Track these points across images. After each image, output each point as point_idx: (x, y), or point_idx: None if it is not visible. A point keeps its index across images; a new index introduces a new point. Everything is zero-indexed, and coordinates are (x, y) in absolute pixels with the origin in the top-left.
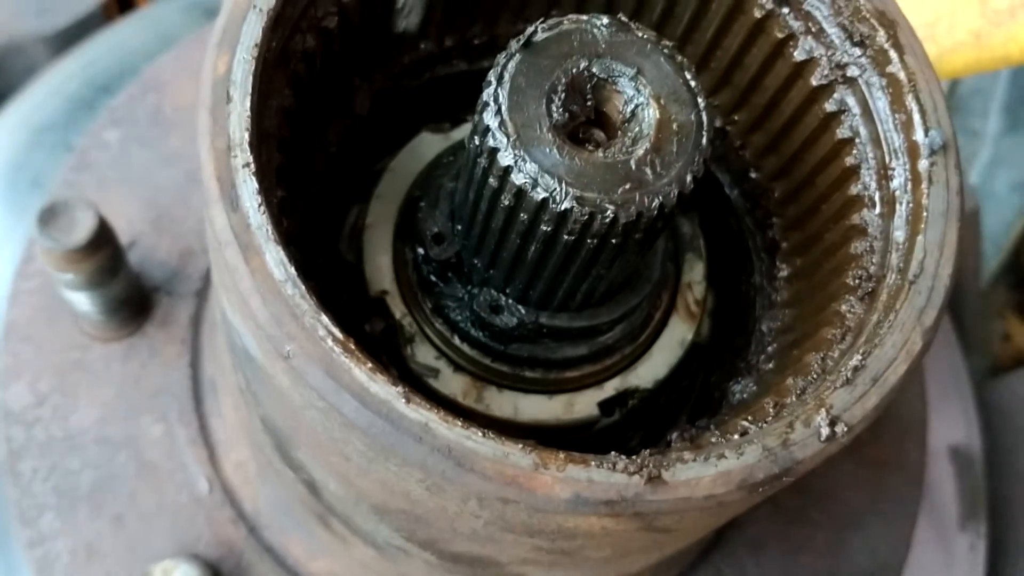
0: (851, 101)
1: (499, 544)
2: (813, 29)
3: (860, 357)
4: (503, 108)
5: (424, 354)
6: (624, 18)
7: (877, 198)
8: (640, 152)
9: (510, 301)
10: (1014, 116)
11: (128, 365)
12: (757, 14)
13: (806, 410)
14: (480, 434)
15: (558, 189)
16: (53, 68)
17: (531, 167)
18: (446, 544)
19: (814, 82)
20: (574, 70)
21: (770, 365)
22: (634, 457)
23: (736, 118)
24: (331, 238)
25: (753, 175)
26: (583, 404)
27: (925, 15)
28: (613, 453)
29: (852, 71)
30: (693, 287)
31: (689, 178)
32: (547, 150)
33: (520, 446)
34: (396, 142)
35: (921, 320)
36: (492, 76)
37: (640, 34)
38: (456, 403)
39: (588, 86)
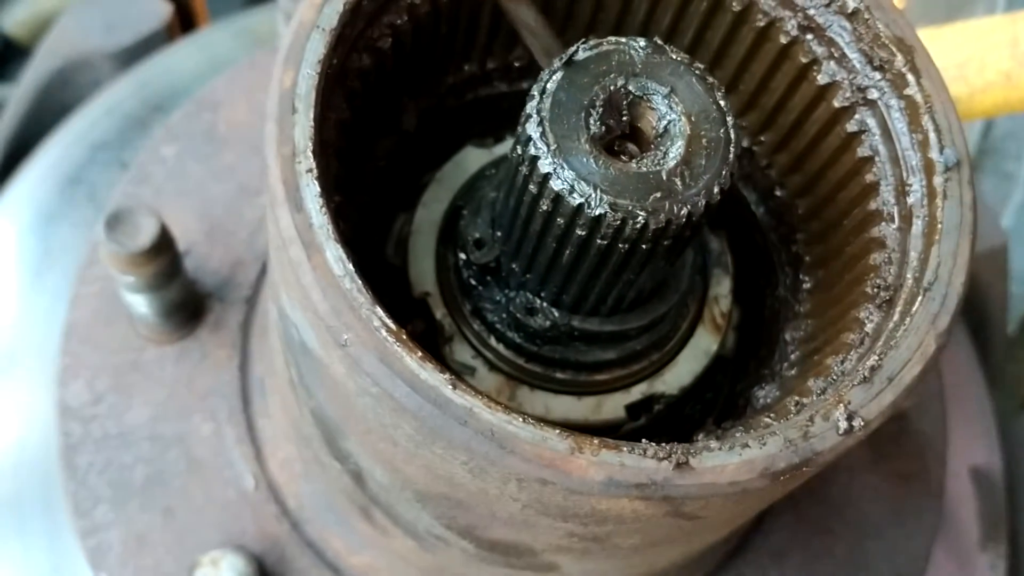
0: (871, 122)
1: (535, 529)
2: (836, 54)
3: (877, 357)
4: (544, 120)
5: (462, 353)
6: (660, 41)
7: (895, 213)
8: (671, 164)
9: (545, 304)
10: None
11: (180, 367)
12: (783, 40)
13: (826, 406)
14: (520, 419)
15: (593, 195)
16: (111, 86)
17: (569, 174)
18: (484, 531)
19: (836, 104)
20: (612, 87)
21: (792, 372)
22: (663, 444)
23: (762, 139)
24: (379, 244)
25: (778, 193)
26: (611, 406)
27: (956, 56)
28: (644, 440)
29: (872, 94)
30: (720, 300)
31: (716, 189)
32: (584, 159)
33: (558, 431)
34: (440, 157)
35: (935, 324)
36: (535, 90)
37: (674, 56)
38: None
39: (624, 103)
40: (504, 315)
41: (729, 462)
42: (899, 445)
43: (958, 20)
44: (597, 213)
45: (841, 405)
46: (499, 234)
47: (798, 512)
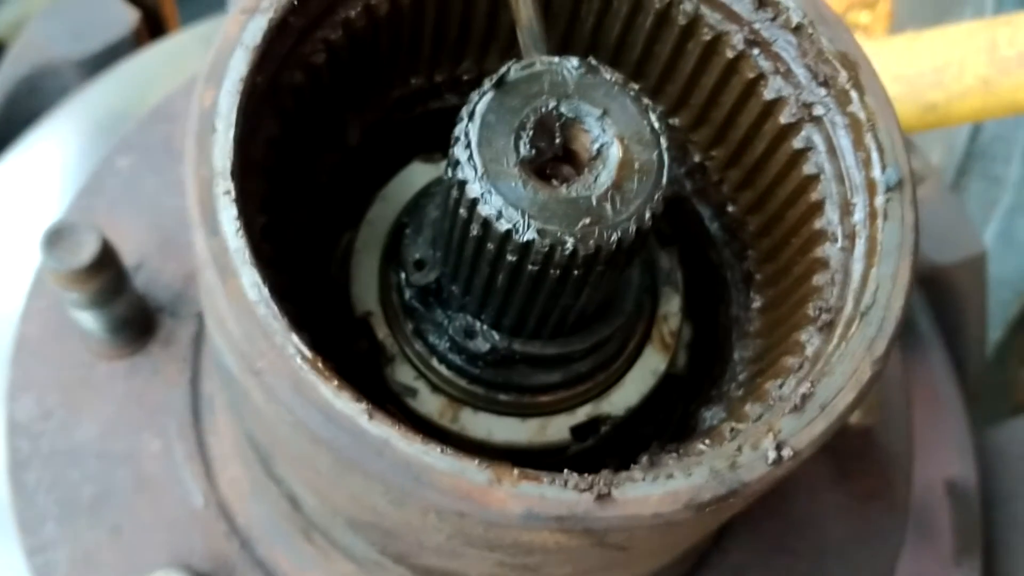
0: (817, 139)
1: (465, 559)
2: (781, 69)
3: (809, 385)
4: (472, 143)
5: (404, 374)
6: (594, 61)
7: (839, 233)
8: (601, 189)
9: (485, 327)
10: None
11: (131, 382)
12: (729, 54)
13: (756, 434)
14: (438, 450)
15: (521, 221)
16: (78, 94)
17: (497, 200)
18: (417, 558)
19: (783, 120)
20: (543, 109)
21: (739, 393)
22: (585, 475)
23: (714, 154)
24: (324, 262)
25: (730, 209)
26: (555, 428)
27: (934, 60)
28: (566, 471)
29: (818, 110)
30: (669, 319)
31: (648, 214)
32: (513, 184)
33: (476, 462)
34: (389, 172)
35: (871, 350)
36: (464, 112)
37: (608, 76)
38: (432, 423)
39: (557, 125)
40: (445, 337)
41: (652, 493)
42: (864, 462)
43: (946, 23)
44: (525, 239)
45: (771, 434)
46: (439, 255)
47: (758, 530)
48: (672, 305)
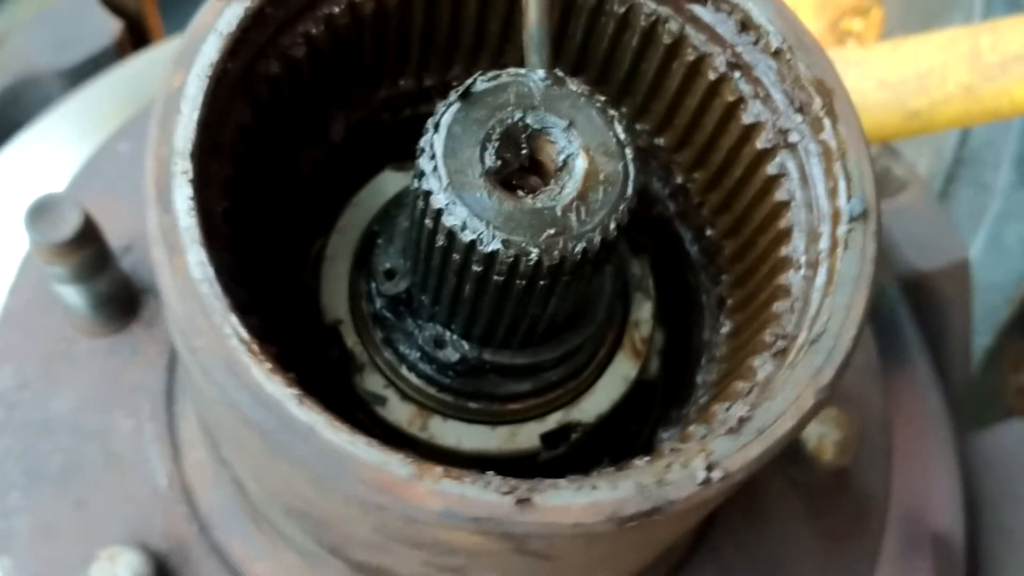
0: (791, 166)
1: (392, 555)
2: (761, 94)
3: (749, 408)
4: (438, 154)
5: (373, 382)
6: (560, 72)
7: (803, 261)
8: (566, 200)
9: (454, 337)
10: None
11: (110, 361)
12: (712, 76)
13: (689, 454)
14: (363, 441)
15: (485, 232)
16: (61, 104)
17: (461, 210)
18: (349, 552)
19: (759, 145)
20: (509, 120)
21: (693, 415)
22: (510, 479)
23: (695, 176)
24: (296, 269)
25: (709, 232)
26: (525, 436)
27: (917, 67)
28: (491, 473)
29: (793, 137)
30: (640, 325)
31: (613, 225)
32: (478, 194)
33: (401, 456)
34: (369, 178)
35: (816, 378)
36: (430, 124)
37: (574, 88)
38: (401, 431)
39: (523, 136)
40: (415, 347)
41: (575, 502)
42: (837, 503)
43: (935, 29)
44: (489, 250)
45: (703, 454)
46: (409, 264)
47: (725, 565)
48: (644, 312)
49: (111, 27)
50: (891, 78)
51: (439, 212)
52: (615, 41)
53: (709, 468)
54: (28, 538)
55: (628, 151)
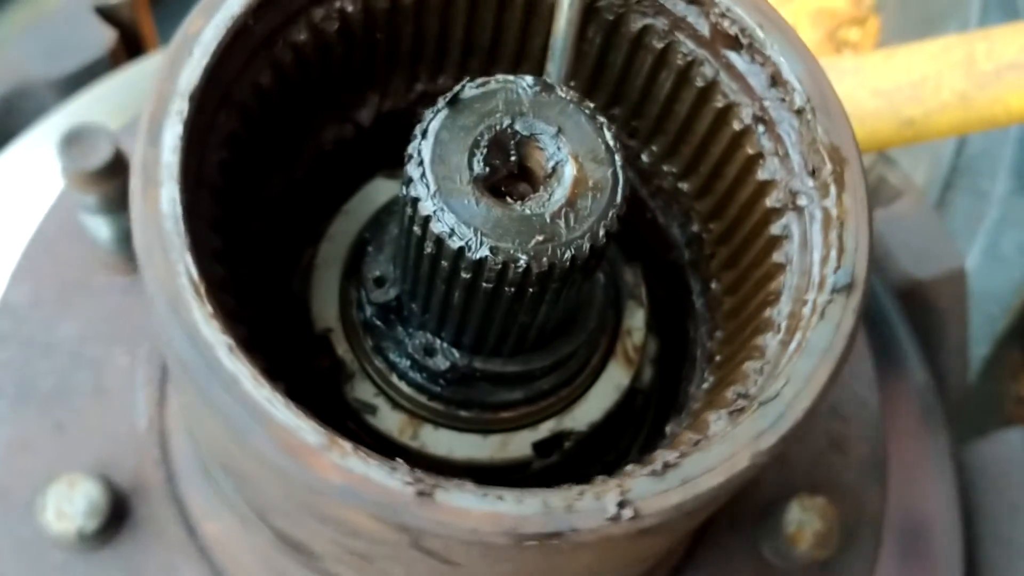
0: (794, 229)
1: (305, 529)
2: (780, 152)
3: (677, 455)
4: (425, 161)
5: (363, 391)
6: (549, 79)
7: (784, 326)
8: (555, 206)
9: (444, 345)
10: (1022, 178)
11: (123, 298)
12: (736, 127)
13: (607, 486)
14: (283, 401)
15: (473, 239)
16: (54, 114)
17: (449, 217)
18: (271, 518)
19: (768, 204)
20: (497, 127)
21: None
22: (417, 471)
23: (711, 227)
24: (286, 277)
25: (713, 286)
26: (517, 444)
27: (911, 75)
28: (399, 460)
29: (802, 200)
30: (633, 333)
31: (602, 232)
32: (466, 201)
33: (315, 424)
34: (361, 184)
35: (756, 441)
36: (418, 130)
37: (563, 95)
38: (392, 440)
39: (512, 142)
40: (405, 355)
41: (476, 508)
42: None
43: (931, 37)
44: (478, 257)
45: (618, 489)
46: (398, 272)
47: None
48: (636, 320)
49: (105, 36)
50: (886, 86)
51: (427, 219)
52: (651, 78)
53: (621, 505)
54: (3, 451)
55: (617, 158)
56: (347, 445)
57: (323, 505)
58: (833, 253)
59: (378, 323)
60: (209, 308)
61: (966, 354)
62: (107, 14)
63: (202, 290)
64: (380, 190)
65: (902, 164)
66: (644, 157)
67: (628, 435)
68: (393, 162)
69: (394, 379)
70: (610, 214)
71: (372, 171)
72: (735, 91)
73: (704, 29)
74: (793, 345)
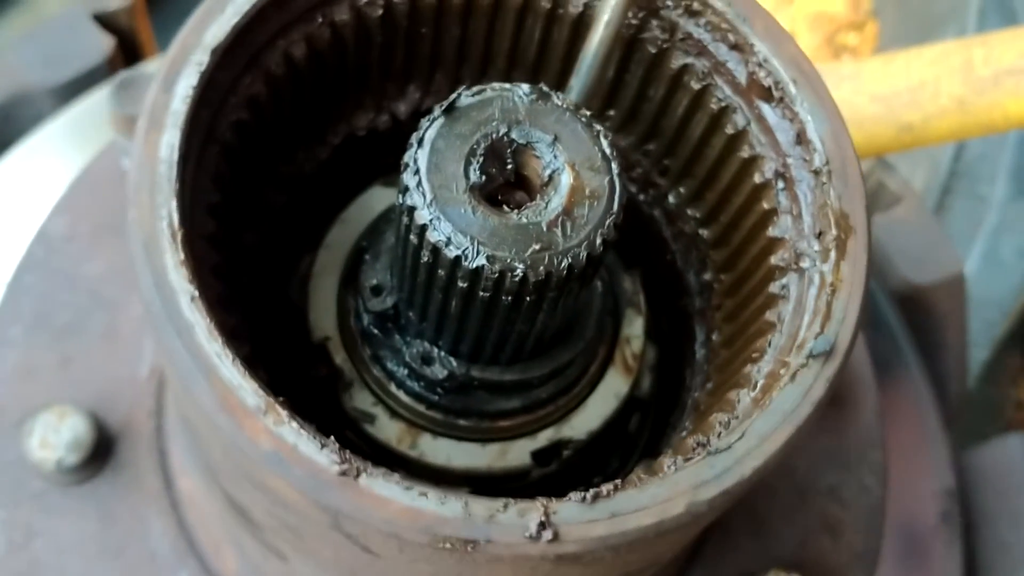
0: (792, 290)
1: (245, 494)
2: (795, 212)
3: (611, 487)
4: (421, 169)
5: (362, 400)
6: (545, 87)
7: (760, 384)
8: (552, 215)
9: (442, 354)
10: (1021, 182)
11: None
12: (758, 179)
13: (535, 504)
14: (231, 359)
15: (470, 247)
16: (52, 121)
17: (446, 226)
18: (219, 477)
19: (773, 261)
20: (494, 135)
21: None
22: (347, 451)
23: (723, 277)
24: (284, 286)
25: (714, 337)
26: (516, 453)
27: (909, 80)
28: (332, 438)
29: (805, 262)
30: (632, 341)
31: (599, 241)
32: (462, 210)
33: (258, 389)
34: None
35: (696, 491)
36: (414, 139)
37: (559, 103)
38: (391, 449)
39: (508, 150)
40: (403, 363)
41: (397, 500)
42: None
43: (929, 43)
44: (474, 266)
45: (543, 509)
46: (395, 281)
47: None
48: (635, 327)
49: (103, 43)
50: (884, 92)
51: (423, 228)
52: (686, 118)
53: (542, 526)
54: (8, 372)
55: (614, 166)
56: (284, 413)
57: (254, 470)
58: (819, 319)
59: (376, 332)
60: (181, 256)
61: (966, 359)
62: (105, 21)
63: (179, 238)
64: (377, 198)
65: (900, 170)
66: (671, 198)
67: (628, 445)
68: (390, 171)
69: (392, 388)
70: (607, 222)
71: (369, 180)
72: (762, 144)
73: (742, 77)
74: (762, 408)
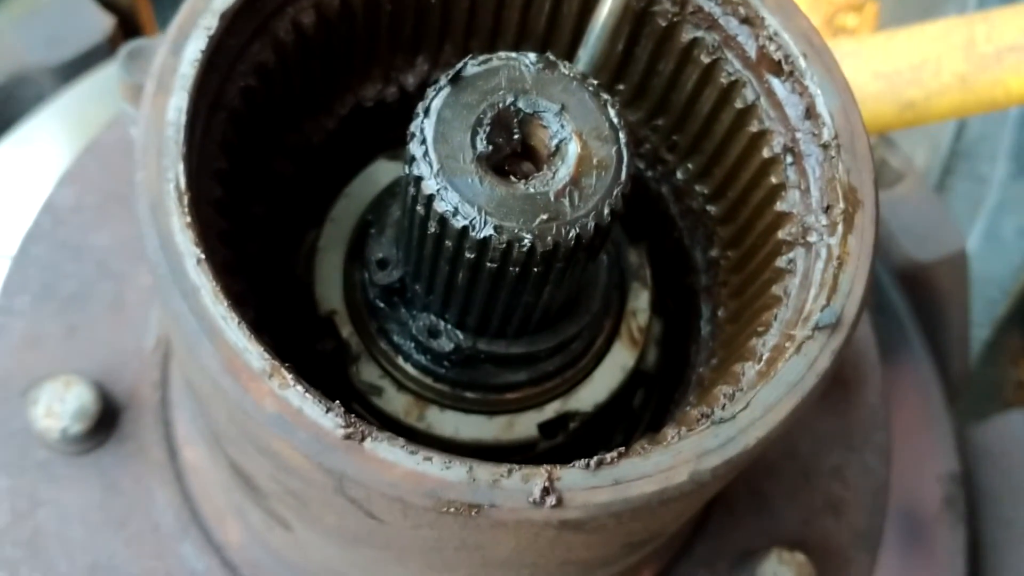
0: (799, 264)
1: (250, 459)
2: (803, 186)
3: (615, 455)
4: (428, 139)
5: (369, 373)
6: (552, 56)
7: (765, 356)
8: (559, 185)
9: (449, 326)
10: (1021, 162)
11: None
12: (766, 154)
13: (539, 470)
14: (236, 322)
15: (477, 217)
16: (54, 100)
17: (453, 196)
18: (225, 443)
19: (780, 236)
20: (500, 105)
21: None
22: (352, 416)
23: (728, 254)
24: (290, 260)
25: (720, 313)
26: (523, 425)
27: (911, 57)
28: (338, 402)
29: (812, 236)
30: (638, 314)
31: (607, 211)
32: (469, 180)
33: (262, 351)
34: (362, 167)
35: (699, 459)
36: (420, 108)
37: (566, 72)
38: (398, 421)
39: (515, 120)
40: (409, 336)
41: (401, 463)
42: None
43: (929, 21)
44: (482, 236)
45: (547, 475)
46: (401, 253)
47: None
48: (641, 301)
49: (103, 23)
50: (886, 69)
51: (430, 198)
52: (695, 93)
53: (546, 491)
54: (15, 342)
55: (622, 135)
56: (290, 377)
57: (258, 433)
58: (826, 291)
59: (382, 305)
60: (188, 219)
61: (967, 336)
62: (105, 1)
63: (185, 200)
64: (382, 172)
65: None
66: (679, 174)
67: (633, 420)
68: (395, 144)
69: (399, 361)
70: (615, 192)
71: (373, 153)
72: (772, 118)
73: (751, 51)
74: (766, 379)
